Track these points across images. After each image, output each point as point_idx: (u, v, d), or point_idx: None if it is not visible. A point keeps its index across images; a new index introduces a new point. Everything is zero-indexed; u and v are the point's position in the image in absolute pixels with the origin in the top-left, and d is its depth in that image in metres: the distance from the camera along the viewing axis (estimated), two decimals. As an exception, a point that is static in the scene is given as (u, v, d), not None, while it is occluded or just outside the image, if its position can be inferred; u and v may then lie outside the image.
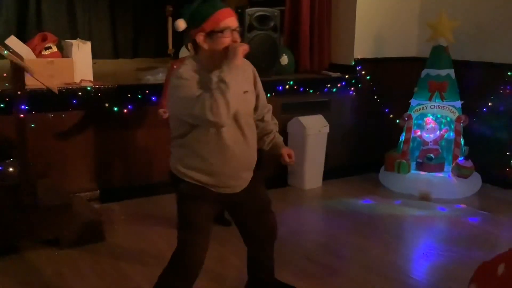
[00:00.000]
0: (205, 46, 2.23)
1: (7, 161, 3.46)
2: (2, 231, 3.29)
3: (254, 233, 2.63)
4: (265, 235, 2.65)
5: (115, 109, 4.12)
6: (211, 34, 2.20)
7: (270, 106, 2.64)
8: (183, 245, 2.40)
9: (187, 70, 2.24)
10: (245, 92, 2.37)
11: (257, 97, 2.52)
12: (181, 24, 2.25)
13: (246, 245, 2.70)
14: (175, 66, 3.59)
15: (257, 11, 4.73)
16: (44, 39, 4.26)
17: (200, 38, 2.22)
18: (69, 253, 3.43)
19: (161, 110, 3.61)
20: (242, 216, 2.59)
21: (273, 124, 2.66)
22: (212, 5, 2.21)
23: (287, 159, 2.60)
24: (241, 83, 2.28)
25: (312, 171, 4.88)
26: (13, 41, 3.96)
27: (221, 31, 2.20)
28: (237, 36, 2.26)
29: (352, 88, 5.20)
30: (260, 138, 2.59)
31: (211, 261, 3.26)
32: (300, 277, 3.20)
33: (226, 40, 2.21)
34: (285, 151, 2.62)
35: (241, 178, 2.45)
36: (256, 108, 2.53)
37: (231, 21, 2.23)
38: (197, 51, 2.28)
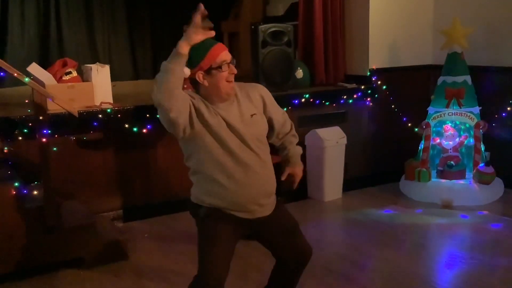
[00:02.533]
0: (205, 83, 2.32)
1: (31, 184, 3.56)
2: (28, 253, 3.38)
3: (283, 259, 2.57)
4: (295, 260, 2.58)
5: (135, 129, 4.21)
6: (209, 71, 2.30)
7: (290, 123, 2.68)
8: (205, 265, 2.38)
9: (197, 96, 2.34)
10: (252, 115, 2.41)
11: (271, 119, 2.54)
12: (187, 71, 2.31)
13: (277, 266, 2.65)
14: (185, 86, 3.69)
15: (271, 27, 4.80)
16: (65, 65, 4.39)
17: (199, 76, 2.31)
18: (94, 272, 3.50)
19: None
20: (268, 242, 2.54)
21: (291, 137, 2.67)
22: (205, 43, 2.25)
23: (283, 177, 2.62)
24: (247, 107, 2.38)
25: (331, 182, 4.89)
26: (34, 68, 4.09)
27: (219, 67, 2.29)
28: (233, 68, 2.33)
29: (368, 99, 5.21)
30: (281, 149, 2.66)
31: (232, 277, 3.28)
32: (321, 289, 3.21)
33: (224, 74, 2.31)
34: (288, 169, 2.64)
35: (261, 203, 2.42)
36: (272, 129, 2.56)
37: (226, 55, 2.32)
38: (198, 89, 2.37)
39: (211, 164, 2.33)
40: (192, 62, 2.28)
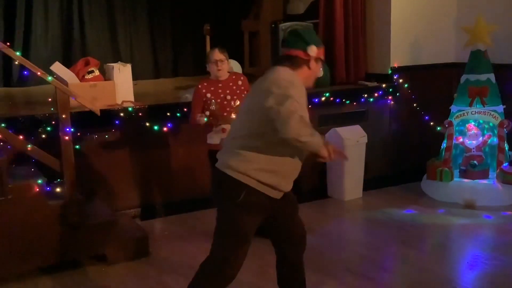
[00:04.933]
0: (312, 67, 2.52)
1: (55, 181, 3.62)
2: (51, 249, 3.44)
3: (292, 235, 2.68)
4: (299, 237, 2.71)
5: (155, 127, 4.25)
6: (317, 60, 2.54)
7: None
8: (227, 256, 2.45)
9: (299, 82, 2.45)
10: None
11: None
12: (315, 49, 2.51)
13: (281, 252, 2.71)
14: (200, 86, 3.72)
15: (291, 25, 4.81)
16: (87, 64, 4.45)
17: (313, 59, 2.50)
18: (116, 268, 3.54)
19: (198, 115, 3.69)
20: (278, 221, 2.63)
21: None
22: (319, 40, 2.59)
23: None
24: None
25: (351, 182, 4.86)
26: (57, 67, 4.16)
27: (322, 61, 2.57)
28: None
29: (389, 97, 5.17)
30: None
31: (250, 274, 3.31)
32: (341, 288, 3.20)
33: (320, 68, 2.56)
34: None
35: (291, 184, 2.57)
36: None
37: None
38: (299, 68, 2.50)
39: (285, 149, 2.40)
40: (317, 44, 2.51)
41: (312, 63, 2.51)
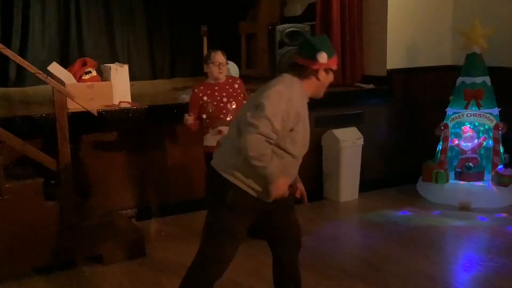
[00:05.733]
0: (321, 77, 2.45)
1: (51, 182, 3.62)
2: (48, 249, 3.44)
3: (286, 237, 2.67)
4: (295, 239, 2.71)
5: (152, 128, 4.25)
6: (328, 71, 2.46)
7: None
8: (215, 254, 2.47)
9: (297, 93, 2.39)
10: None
11: None
12: (325, 57, 2.42)
13: (275, 253, 2.72)
14: (196, 90, 3.72)
15: (288, 27, 4.82)
16: (84, 64, 4.45)
17: (323, 70, 2.43)
18: (112, 268, 3.54)
19: (186, 115, 3.69)
20: (273, 220, 2.63)
21: None
22: (332, 49, 2.50)
23: (297, 195, 2.68)
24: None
25: (347, 183, 4.87)
26: (55, 68, 4.16)
27: (333, 71, 2.49)
28: (332, 79, 2.51)
29: (385, 99, 5.19)
30: None
31: (243, 274, 3.33)
32: (337, 289, 3.21)
33: (330, 79, 2.49)
34: (300, 186, 2.70)
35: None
36: None
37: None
38: (304, 77, 2.44)
39: (289, 143, 2.39)
40: (329, 53, 2.43)
41: (322, 74, 2.44)
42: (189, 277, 2.55)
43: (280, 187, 2.36)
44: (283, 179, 2.38)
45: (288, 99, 2.33)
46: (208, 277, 2.51)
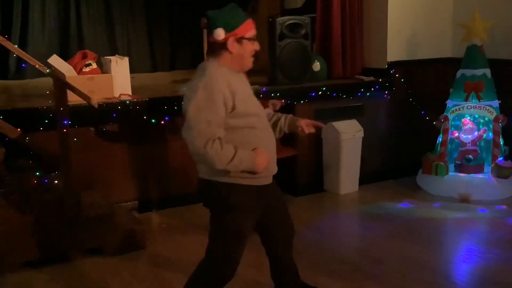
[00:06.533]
0: (234, 50, 2.33)
1: (52, 174, 3.63)
2: (48, 242, 3.46)
3: (279, 228, 2.66)
4: (288, 230, 2.70)
5: (153, 121, 4.26)
6: (241, 40, 2.33)
7: None
8: (225, 257, 2.45)
9: (220, 79, 2.29)
10: (249, 88, 2.51)
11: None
12: (221, 33, 2.31)
13: (269, 245, 2.71)
14: None
15: (288, 19, 4.79)
16: (85, 57, 4.44)
17: (232, 42, 2.32)
18: (112, 261, 3.56)
19: None
20: (265, 216, 2.59)
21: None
22: (242, 12, 2.38)
23: (306, 129, 2.62)
24: (248, 87, 2.48)
25: (347, 176, 4.88)
26: (55, 60, 4.16)
27: (252, 39, 2.36)
28: (258, 44, 2.40)
29: (386, 92, 5.19)
30: (274, 123, 2.67)
31: (246, 267, 3.33)
32: (336, 281, 3.22)
33: (253, 47, 2.38)
34: (302, 122, 2.63)
35: (275, 165, 2.53)
36: None
37: (255, 30, 2.40)
38: (216, 55, 2.35)
39: (248, 131, 2.36)
40: (228, 24, 2.30)
41: (233, 46, 2.30)
42: (200, 280, 2.51)
43: (261, 163, 2.32)
44: (259, 156, 2.32)
45: (213, 92, 2.24)
46: (222, 278, 2.49)
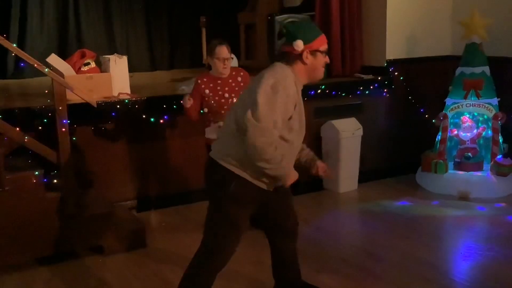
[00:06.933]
0: (308, 61, 2.45)
1: (51, 173, 3.63)
2: (48, 241, 3.46)
3: (283, 226, 2.71)
4: (292, 228, 2.74)
5: (152, 119, 4.26)
6: (315, 52, 2.46)
7: None
8: (218, 245, 2.50)
9: (291, 82, 2.41)
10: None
11: None
12: (301, 44, 2.43)
13: (272, 237, 2.74)
14: (199, 81, 3.71)
15: (287, 17, 4.81)
16: (83, 56, 4.44)
17: (306, 53, 2.44)
18: (113, 259, 3.56)
19: (188, 95, 3.69)
20: (270, 212, 2.66)
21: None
22: (318, 28, 2.57)
23: (322, 174, 2.75)
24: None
25: (347, 174, 4.89)
26: (53, 59, 4.15)
27: (323, 52, 2.49)
28: (328, 60, 2.52)
29: (385, 90, 5.19)
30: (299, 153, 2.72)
31: (248, 265, 3.35)
32: (337, 279, 3.23)
33: (324, 59, 2.50)
34: (320, 165, 2.74)
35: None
36: None
37: (327, 45, 2.53)
38: (290, 64, 2.47)
39: (287, 131, 2.43)
40: (306, 37, 2.43)
41: (308, 58, 2.44)
42: (193, 268, 2.56)
43: (291, 179, 2.45)
44: (292, 171, 2.45)
45: (283, 88, 2.35)
46: (212, 267, 2.53)
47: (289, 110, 2.38)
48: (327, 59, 2.51)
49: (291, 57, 2.46)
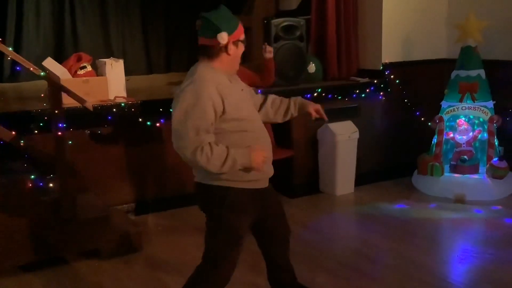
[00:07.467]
0: (231, 52, 2.38)
1: (47, 177, 3.61)
2: (44, 244, 3.45)
3: (275, 231, 2.66)
4: (284, 232, 2.70)
5: (148, 123, 4.25)
6: (237, 42, 2.39)
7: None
8: (222, 259, 2.45)
9: (211, 85, 2.30)
10: (242, 89, 2.51)
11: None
12: (225, 36, 2.34)
13: (265, 247, 2.70)
14: None
15: (283, 21, 4.80)
16: (79, 59, 4.44)
17: (231, 45, 2.37)
18: (109, 263, 3.55)
19: None
20: (262, 220, 2.59)
21: (277, 99, 2.72)
22: (234, 16, 2.41)
23: (314, 114, 2.68)
24: (242, 89, 2.51)
25: (343, 177, 4.89)
26: (49, 63, 4.14)
27: (243, 41, 2.43)
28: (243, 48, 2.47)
29: (381, 93, 5.20)
30: (285, 111, 2.68)
31: (244, 270, 3.33)
32: (333, 282, 3.23)
33: (243, 48, 2.44)
34: (311, 107, 2.68)
35: (271, 167, 2.54)
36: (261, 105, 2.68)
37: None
38: (215, 57, 2.38)
39: (239, 134, 2.37)
40: (229, 28, 2.34)
41: (231, 48, 2.36)
42: (197, 283, 2.51)
43: (257, 158, 2.34)
44: (254, 152, 2.33)
45: (201, 98, 2.25)
46: (219, 281, 2.49)
47: (217, 109, 2.29)
48: (243, 48, 2.44)
49: (215, 51, 2.35)
